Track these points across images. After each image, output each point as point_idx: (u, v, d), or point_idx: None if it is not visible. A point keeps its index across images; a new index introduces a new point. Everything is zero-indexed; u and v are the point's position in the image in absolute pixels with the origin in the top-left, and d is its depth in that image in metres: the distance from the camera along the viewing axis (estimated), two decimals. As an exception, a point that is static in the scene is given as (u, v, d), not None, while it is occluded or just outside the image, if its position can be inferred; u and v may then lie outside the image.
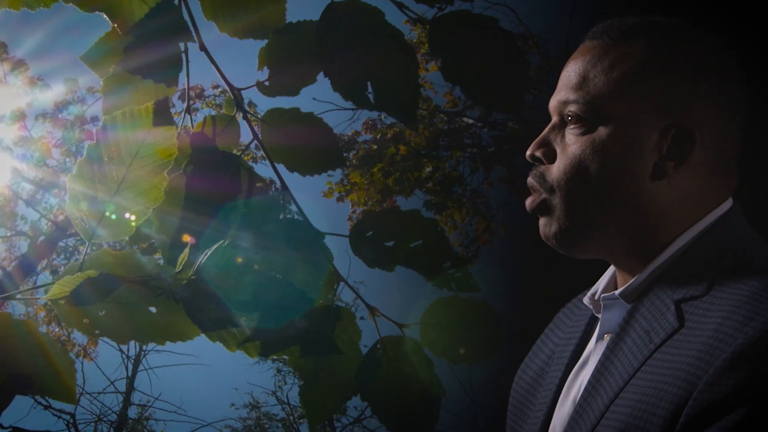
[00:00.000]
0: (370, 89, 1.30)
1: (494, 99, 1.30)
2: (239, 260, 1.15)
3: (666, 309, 0.85)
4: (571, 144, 0.92)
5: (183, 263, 1.13)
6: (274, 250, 1.28)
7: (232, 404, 11.68)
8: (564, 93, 0.93)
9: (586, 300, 1.01)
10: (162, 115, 1.08)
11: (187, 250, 1.12)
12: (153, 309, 1.21)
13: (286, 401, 11.49)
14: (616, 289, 0.95)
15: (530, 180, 0.95)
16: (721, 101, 0.90)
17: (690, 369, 0.77)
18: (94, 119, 12.04)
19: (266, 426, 11.85)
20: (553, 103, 0.95)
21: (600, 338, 0.95)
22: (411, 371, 1.30)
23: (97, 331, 1.20)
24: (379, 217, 1.39)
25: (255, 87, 1.33)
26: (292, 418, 11.52)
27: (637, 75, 0.90)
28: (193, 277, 1.14)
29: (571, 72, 0.94)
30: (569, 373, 0.98)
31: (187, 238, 1.27)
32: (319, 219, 1.35)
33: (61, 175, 12.44)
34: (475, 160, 9.05)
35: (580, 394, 0.90)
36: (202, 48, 1.26)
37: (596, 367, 0.89)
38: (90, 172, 1.12)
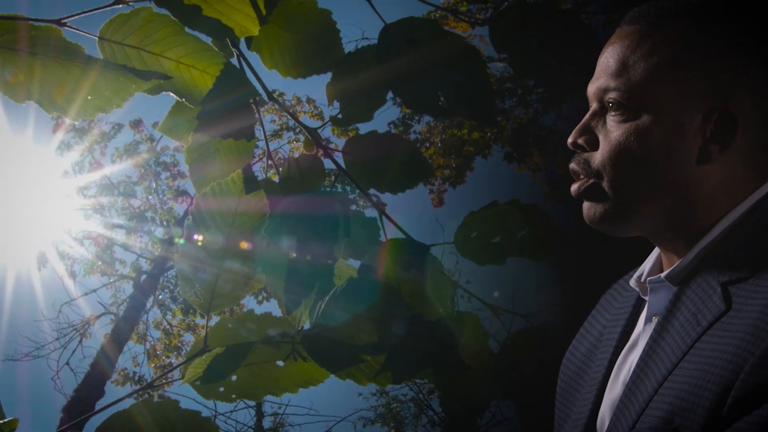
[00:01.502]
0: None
1: (566, 81, 1.27)
2: (356, 304, 1.15)
3: (712, 292, 0.85)
4: (614, 130, 0.92)
5: (301, 318, 1.15)
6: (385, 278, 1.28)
7: (360, 394, 11.88)
8: (603, 80, 0.93)
9: (632, 282, 1.01)
10: (250, 181, 1.09)
11: (303, 308, 1.14)
12: (281, 363, 1.23)
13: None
14: (662, 271, 0.95)
15: (573, 166, 0.96)
16: (761, 83, 0.89)
17: (737, 351, 0.76)
18: (165, 149, 12.42)
19: (397, 409, 12.00)
20: (592, 89, 0.95)
21: (648, 320, 0.95)
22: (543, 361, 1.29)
23: (233, 396, 1.23)
24: (481, 217, 1.38)
25: (329, 122, 1.34)
26: (421, 395, 11.63)
27: (677, 60, 0.89)
28: (314, 327, 1.16)
29: (609, 58, 0.93)
30: (618, 355, 0.98)
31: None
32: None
33: (148, 212, 12.88)
34: (545, 102, 8.88)
35: (629, 376, 0.90)
36: (271, 98, 1.28)
37: (644, 349, 0.90)
38: (193, 247, 1.15)
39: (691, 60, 0.89)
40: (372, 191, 1.42)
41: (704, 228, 0.91)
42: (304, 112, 11.27)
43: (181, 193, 13.07)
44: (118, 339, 11.72)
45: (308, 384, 1.28)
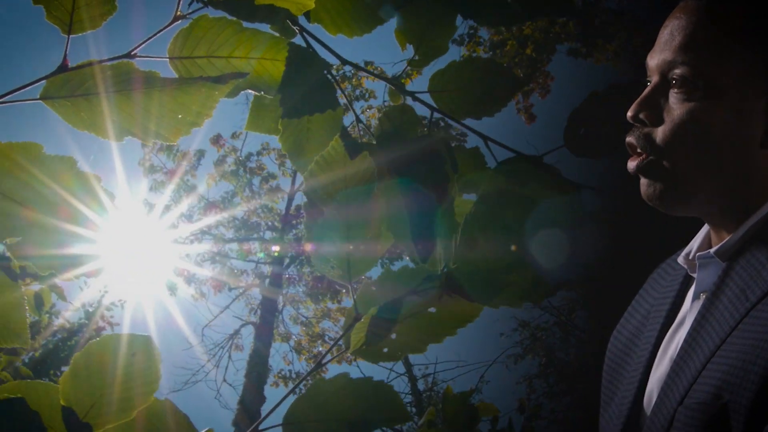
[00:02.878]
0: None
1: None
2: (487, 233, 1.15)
3: (761, 267, 0.85)
4: (678, 108, 0.90)
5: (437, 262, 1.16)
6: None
7: (502, 334, 11.94)
8: (668, 53, 0.91)
9: (680, 260, 1.01)
10: (351, 146, 1.10)
11: (437, 253, 1.15)
12: (433, 309, 1.24)
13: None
14: (711, 248, 0.95)
15: (631, 140, 0.95)
16: None
17: None
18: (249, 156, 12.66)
19: (544, 337, 12.00)
20: (655, 62, 0.93)
21: (696, 297, 0.95)
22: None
23: (399, 353, 1.26)
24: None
25: (407, 66, 1.33)
26: (563, 317, 11.57)
27: (746, 40, 0.88)
28: (454, 267, 1.17)
29: (675, 32, 0.91)
30: (665, 333, 0.98)
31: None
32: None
33: (252, 219, 13.20)
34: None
35: (677, 353, 0.90)
36: (345, 62, 1.28)
37: (692, 325, 0.90)
38: (316, 224, 1.18)
39: (760, 41, 0.87)
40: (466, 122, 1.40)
41: (756, 206, 0.91)
42: (366, 77, 11.27)
43: (274, 189, 13.34)
44: (264, 344, 12.14)
45: (465, 322, 1.29)
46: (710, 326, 0.87)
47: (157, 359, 0.96)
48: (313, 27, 1.31)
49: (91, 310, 9.14)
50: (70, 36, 1.07)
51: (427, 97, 1.35)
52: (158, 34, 1.12)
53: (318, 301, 14.29)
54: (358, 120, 1.43)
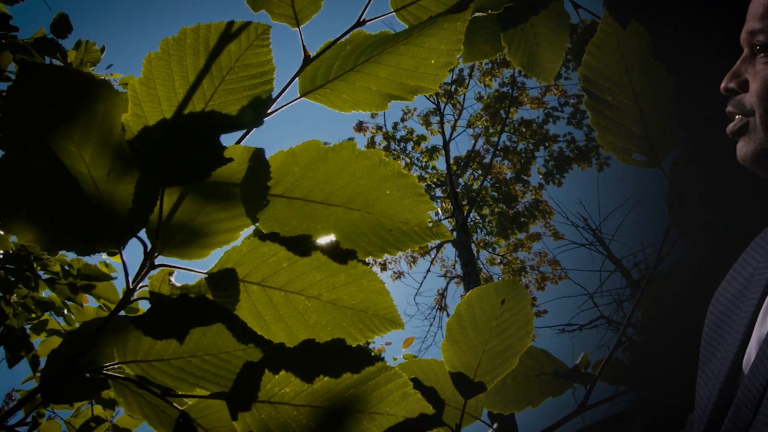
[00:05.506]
0: None
1: None
2: None
3: None
4: (762, 71, 0.93)
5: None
6: None
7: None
8: (751, 23, 0.95)
9: None
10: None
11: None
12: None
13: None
14: None
15: (730, 108, 0.98)
16: None
17: None
18: (395, 127, 12.69)
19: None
20: (743, 34, 0.97)
21: None
22: None
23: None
24: None
25: None
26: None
27: None
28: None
29: (756, 2, 0.95)
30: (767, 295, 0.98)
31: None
32: None
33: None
34: None
35: None
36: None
37: None
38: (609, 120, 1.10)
39: None
40: None
41: None
42: None
43: (432, 150, 13.35)
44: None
45: None
46: None
47: (527, 299, 0.92)
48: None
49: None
50: (300, 27, 1.06)
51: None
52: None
53: (507, 236, 14.25)
54: None
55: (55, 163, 0.78)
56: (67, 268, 2.61)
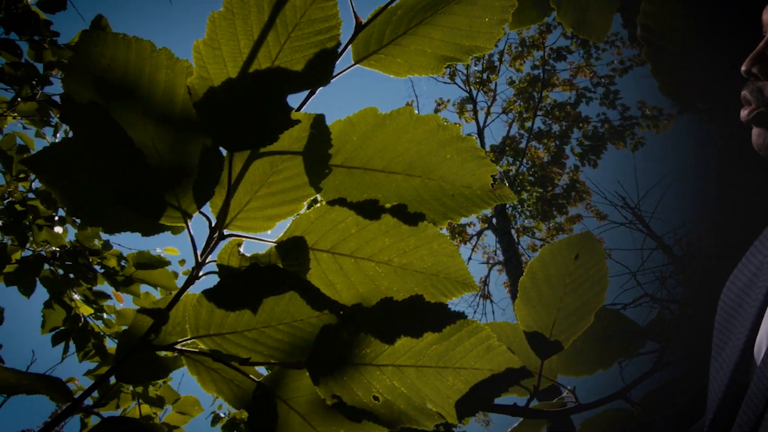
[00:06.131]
0: None
1: None
2: None
3: None
4: None
5: None
6: None
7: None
8: None
9: None
10: None
11: None
12: None
13: None
14: None
15: (746, 93, 0.95)
16: None
17: None
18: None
19: None
20: (765, 17, 0.95)
21: None
22: None
23: None
24: None
25: None
26: None
27: None
28: None
29: None
30: None
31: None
32: None
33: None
34: None
35: None
36: None
37: None
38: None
39: None
40: None
41: None
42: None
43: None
44: (514, 278, 12.19)
45: None
46: None
47: (601, 253, 0.89)
48: None
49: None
50: (351, -6, 1.04)
51: None
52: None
53: (547, 219, 14.13)
54: None
55: (120, 137, 0.77)
56: (123, 264, 2.64)
